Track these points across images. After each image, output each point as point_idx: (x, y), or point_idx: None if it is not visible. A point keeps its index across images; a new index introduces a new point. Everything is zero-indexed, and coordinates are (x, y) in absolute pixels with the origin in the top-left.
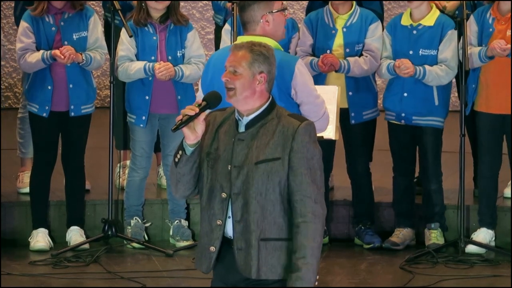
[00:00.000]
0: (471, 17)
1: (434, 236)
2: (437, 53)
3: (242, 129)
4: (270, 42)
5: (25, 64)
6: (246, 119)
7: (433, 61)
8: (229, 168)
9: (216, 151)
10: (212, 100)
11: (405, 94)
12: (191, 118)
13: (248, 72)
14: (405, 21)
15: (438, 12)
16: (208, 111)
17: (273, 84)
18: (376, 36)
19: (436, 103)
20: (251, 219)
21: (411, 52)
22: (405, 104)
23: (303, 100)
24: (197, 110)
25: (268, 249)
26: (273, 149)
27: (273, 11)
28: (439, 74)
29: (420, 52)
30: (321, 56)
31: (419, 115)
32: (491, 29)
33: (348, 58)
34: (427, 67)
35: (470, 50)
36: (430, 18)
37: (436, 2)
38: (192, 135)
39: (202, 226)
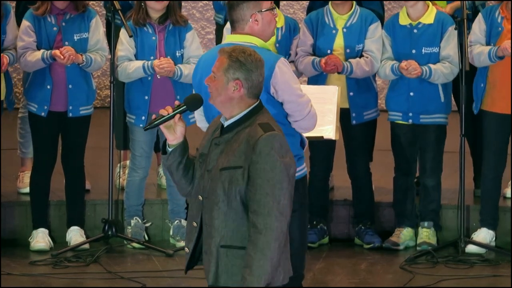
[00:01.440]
0: (480, 15)
1: (426, 235)
2: (439, 50)
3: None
4: (257, 41)
5: (25, 63)
6: (225, 124)
7: (436, 58)
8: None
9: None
10: (190, 103)
11: (412, 94)
12: (164, 119)
13: (223, 78)
14: (403, 20)
15: (435, 9)
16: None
17: (258, 90)
18: (376, 37)
19: (442, 99)
20: (212, 225)
21: (413, 51)
22: (412, 103)
23: (284, 98)
24: (171, 111)
25: (229, 257)
26: (238, 157)
27: (262, 10)
28: (444, 72)
29: (423, 50)
30: (326, 57)
31: (426, 113)
32: (500, 28)
33: (350, 60)
34: (432, 66)
35: (479, 49)
36: (429, 16)
37: (434, 2)
38: (171, 136)
39: (186, 226)
